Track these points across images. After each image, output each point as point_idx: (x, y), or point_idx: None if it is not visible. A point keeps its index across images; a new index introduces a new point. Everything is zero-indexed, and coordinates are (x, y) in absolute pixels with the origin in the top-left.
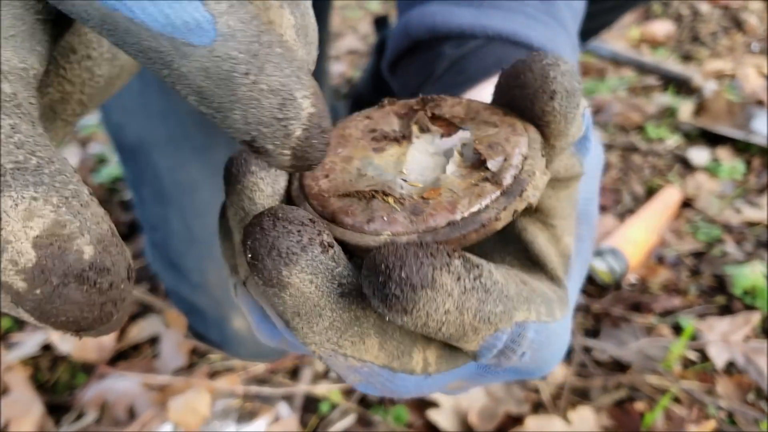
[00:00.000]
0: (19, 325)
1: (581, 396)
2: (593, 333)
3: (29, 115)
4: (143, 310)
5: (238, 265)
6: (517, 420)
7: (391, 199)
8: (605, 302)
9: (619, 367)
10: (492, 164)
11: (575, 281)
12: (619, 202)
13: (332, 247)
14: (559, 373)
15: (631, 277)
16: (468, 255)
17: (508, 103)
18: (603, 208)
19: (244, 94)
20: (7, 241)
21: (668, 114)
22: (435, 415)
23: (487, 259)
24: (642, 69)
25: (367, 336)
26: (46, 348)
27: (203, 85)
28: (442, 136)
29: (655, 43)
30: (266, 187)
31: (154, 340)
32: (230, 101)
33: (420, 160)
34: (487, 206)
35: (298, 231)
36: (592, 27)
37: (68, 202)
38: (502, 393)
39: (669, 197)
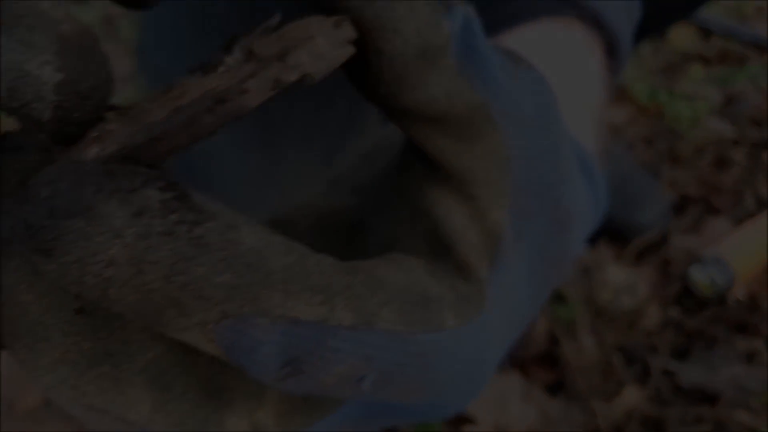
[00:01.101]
0: None
1: (653, 427)
2: (682, 354)
3: None
4: None
5: None
6: None
7: (110, 114)
8: (701, 319)
9: (705, 397)
10: (260, 48)
11: (516, 274)
12: (739, 205)
13: None
14: (630, 396)
15: (739, 292)
16: (194, 196)
17: None
18: (717, 211)
19: None
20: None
21: None
22: None
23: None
24: None
25: (129, 385)
26: None
27: None
28: None
29: None
30: (12, 175)
31: None
32: None
33: None
34: (226, 79)
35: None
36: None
37: None
38: (558, 413)
39: None
